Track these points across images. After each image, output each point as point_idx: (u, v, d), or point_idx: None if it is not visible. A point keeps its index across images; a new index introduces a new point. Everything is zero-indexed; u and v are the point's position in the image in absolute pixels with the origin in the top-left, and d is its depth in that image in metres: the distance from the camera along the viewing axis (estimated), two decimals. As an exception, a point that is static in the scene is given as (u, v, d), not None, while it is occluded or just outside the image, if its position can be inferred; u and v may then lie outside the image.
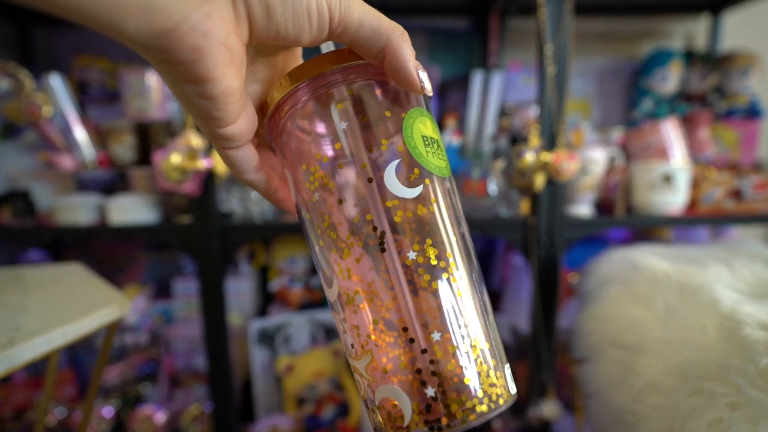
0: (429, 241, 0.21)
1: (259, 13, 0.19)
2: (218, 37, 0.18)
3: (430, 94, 0.22)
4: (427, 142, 0.22)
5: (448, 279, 0.21)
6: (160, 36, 0.17)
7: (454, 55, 1.07)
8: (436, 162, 0.22)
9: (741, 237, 1.09)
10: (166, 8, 0.17)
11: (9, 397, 0.92)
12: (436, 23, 1.06)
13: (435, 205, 0.22)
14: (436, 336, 0.20)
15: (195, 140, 0.71)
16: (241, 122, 0.22)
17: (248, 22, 0.19)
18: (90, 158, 0.82)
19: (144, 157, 0.85)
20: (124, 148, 0.85)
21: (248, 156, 0.24)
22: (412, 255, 0.21)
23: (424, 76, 0.22)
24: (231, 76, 0.19)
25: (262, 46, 0.23)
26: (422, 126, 0.23)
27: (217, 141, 0.23)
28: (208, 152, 0.73)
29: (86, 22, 0.16)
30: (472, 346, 0.21)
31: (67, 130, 0.81)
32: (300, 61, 0.26)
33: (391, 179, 0.21)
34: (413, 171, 0.21)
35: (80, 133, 0.82)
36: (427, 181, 0.22)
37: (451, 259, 0.21)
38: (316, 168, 0.22)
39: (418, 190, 0.21)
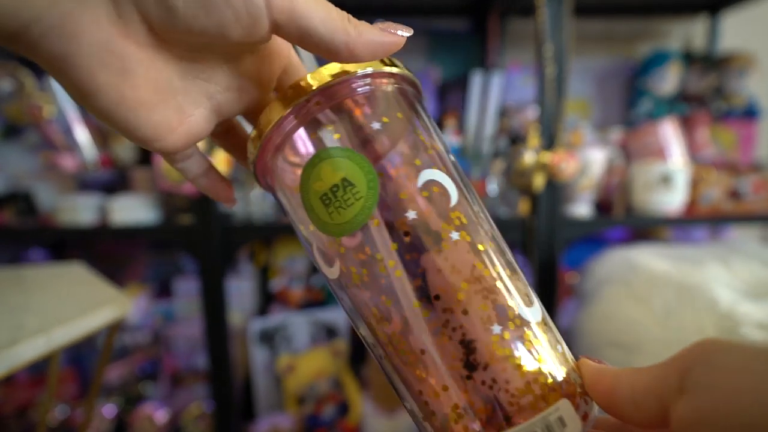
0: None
1: (153, 8, 0.15)
2: (92, 41, 0.15)
3: (407, 34, 0.19)
4: (326, 199, 0.19)
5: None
6: (8, 38, 0.15)
7: (454, 55, 1.07)
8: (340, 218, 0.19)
9: (739, 237, 1.09)
10: (9, 8, 0.14)
11: (11, 396, 0.92)
12: (436, 24, 1.06)
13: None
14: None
15: (196, 141, 0.72)
16: (172, 140, 0.18)
17: (143, 21, 0.15)
18: (91, 158, 0.83)
19: (145, 158, 0.86)
20: (126, 149, 0.85)
21: (190, 169, 0.22)
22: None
23: (394, 28, 0.18)
24: (128, 88, 0.16)
25: (211, 49, 0.18)
26: (323, 177, 0.19)
27: (163, 156, 0.20)
28: (208, 152, 0.73)
29: None
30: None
31: (68, 131, 0.81)
32: (276, 64, 0.22)
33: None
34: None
35: (82, 134, 0.82)
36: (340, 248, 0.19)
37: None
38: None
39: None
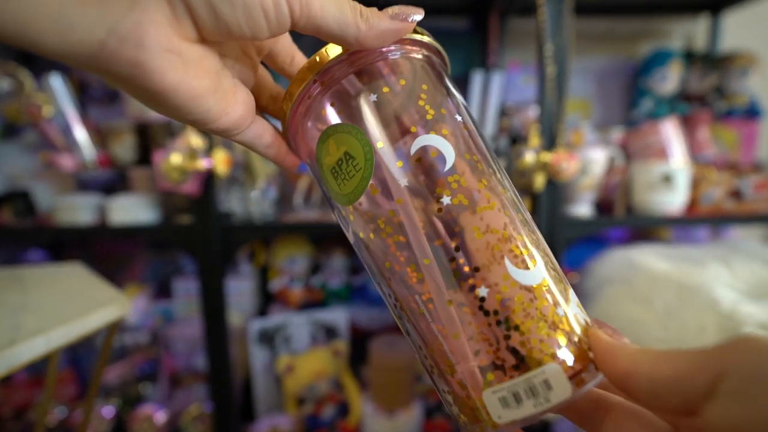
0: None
1: (203, 13, 0.17)
2: (157, 44, 0.16)
3: (419, 16, 0.20)
4: (335, 171, 0.21)
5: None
6: (88, 55, 0.15)
7: (454, 55, 1.07)
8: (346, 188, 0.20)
9: (740, 237, 1.09)
10: (86, 24, 0.15)
11: (9, 397, 0.92)
12: (436, 23, 1.06)
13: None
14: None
15: (195, 140, 0.71)
16: (233, 112, 0.20)
17: (192, 21, 0.17)
18: (90, 158, 0.83)
19: (144, 157, 0.86)
20: (125, 148, 0.85)
21: (257, 135, 0.23)
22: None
23: (405, 13, 0.20)
24: (190, 80, 0.18)
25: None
26: (330, 150, 0.21)
27: (216, 133, 0.21)
28: (208, 152, 0.73)
29: (11, 42, 0.15)
30: None
31: (67, 131, 0.81)
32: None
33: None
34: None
35: (80, 133, 0.82)
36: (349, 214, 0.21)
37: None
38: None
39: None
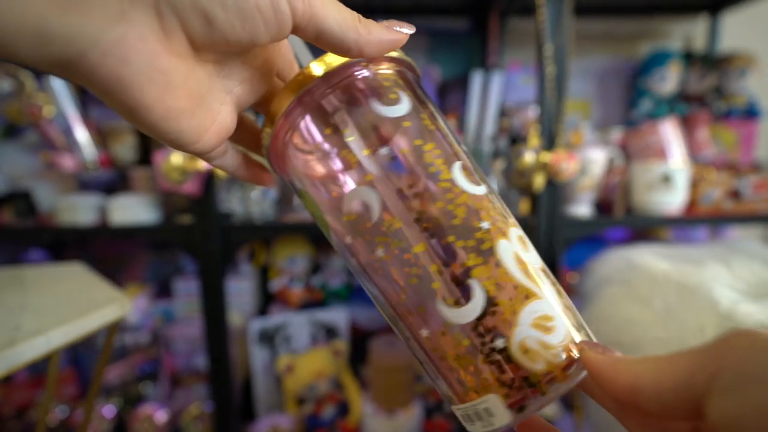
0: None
1: (195, 22, 0.16)
2: (142, 60, 0.15)
3: (410, 31, 0.20)
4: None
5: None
6: (64, 66, 0.15)
7: (454, 55, 1.07)
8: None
9: (740, 237, 1.09)
10: (64, 35, 0.14)
11: (10, 397, 0.92)
12: (436, 23, 1.06)
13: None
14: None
15: (195, 140, 0.71)
16: (209, 139, 0.19)
17: (184, 33, 0.16)
18: (91, 158, 0.83)
19: (145, 158, 0.86)
20: (125, 149, 0.85)
21: (228, 163, 0.23)
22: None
23: (398, 27, 0.20)
24: (167, 100, 0.17)
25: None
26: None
27: (199, 156, 0.21)
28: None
29: None
30: None
31: (68, 131, 0.81)
32: (277, 51, 0.23)
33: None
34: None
35: (81, 134, 0.82)
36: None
37: None
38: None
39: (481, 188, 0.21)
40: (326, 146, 0.21)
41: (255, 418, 0.94)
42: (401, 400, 0.84)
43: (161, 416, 0.90)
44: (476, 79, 0.90)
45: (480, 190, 0.20)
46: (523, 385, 0.18)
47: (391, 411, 0.83)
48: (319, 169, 0.21)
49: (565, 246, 0.79)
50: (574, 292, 0.89)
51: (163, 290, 1.05)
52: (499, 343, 0.18)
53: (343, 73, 0.20)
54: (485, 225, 0.19)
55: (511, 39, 1.05)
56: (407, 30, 0.20)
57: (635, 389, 0.15)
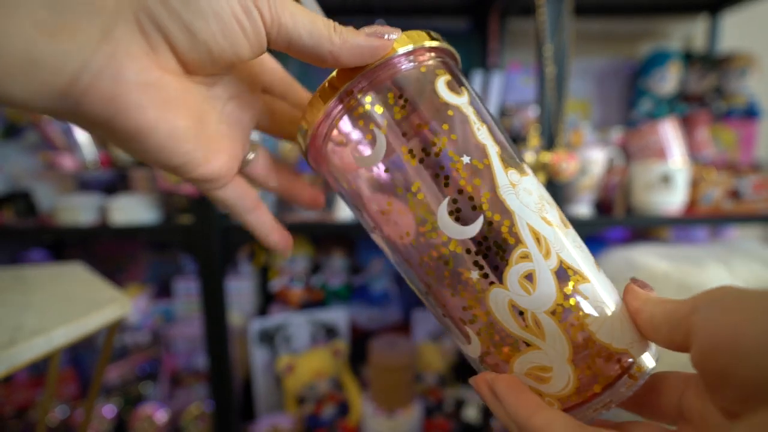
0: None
1: (178, 34, 0.15)
2: (135, 76, 0.15)
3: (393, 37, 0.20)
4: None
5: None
6: (58, 98, 0.14)
7: (454, 55, 1.07)
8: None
9: (739, 237, 1.09)
10: (54, 61, 0.13)
11: (10, 397, 0.92)
12: (436, 23, 1.06)
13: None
14: None
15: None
16: (216, 160, 0.19)
17: (170, 49, 0.16)
18: (91, 158, 0.83)
19: (145, 158, 0.86)
20: (125, 149, 0.85)
21: (240, 195, 0.21)
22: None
23: (383, 33, 0.19)
24: (172, 117, 0.16)
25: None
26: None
27: (196, 184, 0.20)
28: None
29: None
30: None
31: (68, 131, 0.81)
32: (265, 61, 0.23)
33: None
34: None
35: (81, 134, 0.82)
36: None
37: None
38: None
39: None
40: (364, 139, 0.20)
41: (255, 418, 0.94)
42: (401, 400, 0.84)
43: (161, 416, 0.90)
44: (476, 79, 0.90)
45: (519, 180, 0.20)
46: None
47: (391, 411, 0.83)
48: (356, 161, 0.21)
49: (565, 246, 0.79)
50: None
51: (163, 290, 1.05)
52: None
53: (382, 69, 0.20)
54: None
55: (511, 39, 1.05)
56: (391, 36, 0.19)
57: (638, 311, 0.19)
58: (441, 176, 0.19)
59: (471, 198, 0.19)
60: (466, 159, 0.19)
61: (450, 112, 0.20)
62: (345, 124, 0.21)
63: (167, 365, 0.98)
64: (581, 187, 0.82)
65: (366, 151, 0.20)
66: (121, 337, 0.97)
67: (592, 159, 0.81)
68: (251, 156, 0.23)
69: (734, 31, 1.07)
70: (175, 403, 0.95)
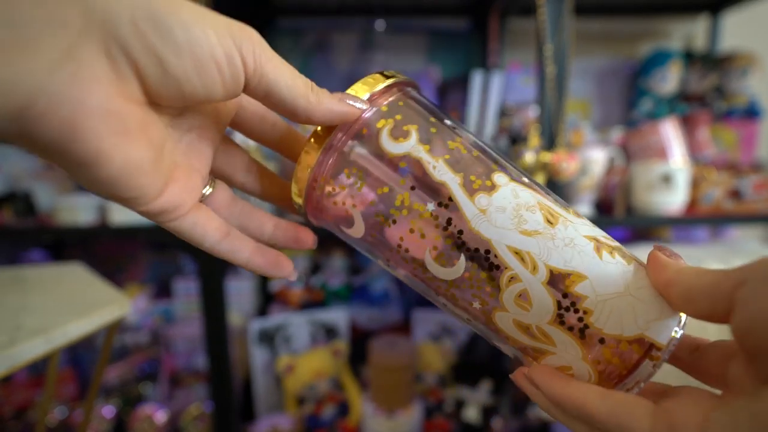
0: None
1: (149, 65, 0.15)
2: (97, 102, 0.14)
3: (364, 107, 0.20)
4: None
5: None
6: (7, 121, 0.13)
7: (454, 55, 1.07)
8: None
9: (740, 237, 1.09)
10: (9, 81, 0.12)
11: (10, 397, 0.92)
12: (436, 23, 1.06)
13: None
14: None
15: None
16: (168, 193, 0.18)
17: (138, 78, 0.15)
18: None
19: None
20: (125, 149, 0.85)
21: (199, 226, 0.20)
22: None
23: (352, 101, 0.20)
24: (128, 149, 0.15)
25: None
26: None
27: (147, 216, 0.18)
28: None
29: None
30: None
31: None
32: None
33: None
34: None
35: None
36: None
37: None
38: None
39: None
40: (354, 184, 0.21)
41: (255, 418, 0.94)
42: (401, 400, 0.84)
43: (161, 416, 0.89)
44: (476, 79, 0.90)
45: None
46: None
47: (391, 411, 0.83)
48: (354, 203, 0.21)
49: (566, 246, 0.79)
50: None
51: (162, 290, 1.05)
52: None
53: (356, 119, 0.21)
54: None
55: (511, 39, 1.05)
56: (360, 105, 0.20)
57: (672, 282, 0.18)
58: (416, 230, 0.20)
59: (447, 240, 0.19)
60: (430, 206, 0.20)
61: (402, 164, 0.20)
62: (325, 205, 0.22)
63: (167, 365, 0.98)
64: (581, 187, 0.82)
65: (348, 228, 0.22)
66: (121, 337, 0.97)
67: (592, 159, 0.81)
68: (207, 191, 0.22)
69: (735, 31, 1.06)
70: (174, 404, 0.95)
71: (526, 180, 0.21)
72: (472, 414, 0.88)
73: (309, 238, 0.24)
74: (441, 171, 0.20)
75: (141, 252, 1.08)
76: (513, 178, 0.20)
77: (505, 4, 0.94)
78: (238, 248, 0.22)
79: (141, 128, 0.16)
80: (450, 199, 0.19)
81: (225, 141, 0.23)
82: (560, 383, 0.18)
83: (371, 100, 0.21)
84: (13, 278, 0.56)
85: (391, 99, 0.21)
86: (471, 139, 0.22)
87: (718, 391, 0.18)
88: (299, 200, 0.22)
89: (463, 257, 0.19)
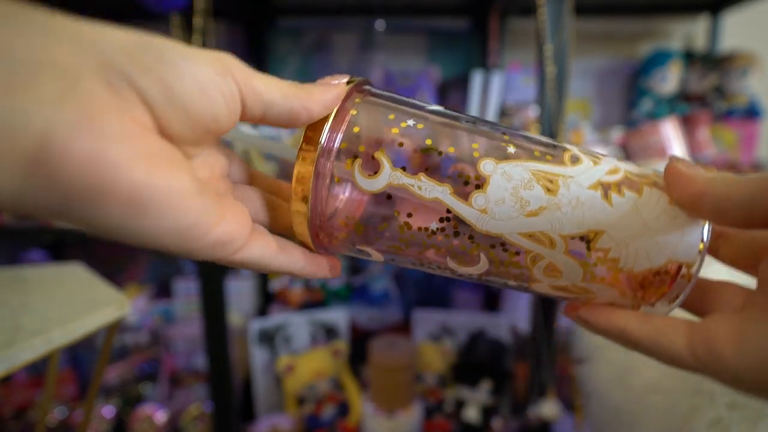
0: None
1: (154, 90, 0.14)
2: (114, 128, 0.13)
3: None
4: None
5: None
6: (28, 168, 0.12)
7: (454, 55, 1.07)
8: None
9: (740, 237, 1.09)
10: (11, 122, 0.11)
11: (10, 397, 0.92)
12: (436, 23, 1.06)
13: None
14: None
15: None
16: (229, 218, 0.17)
17: (144, 105, 0.14)
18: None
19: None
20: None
21: (261, 248, 0.19)
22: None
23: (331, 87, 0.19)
24: (168, 170, 0.14)
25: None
26: None
27: (209, 252, 0.17)
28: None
29: None
30: None
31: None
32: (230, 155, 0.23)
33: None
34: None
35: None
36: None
37: None
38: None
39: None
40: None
41: (255, 418, 0.94)
42: (401, 400, 0.84)
43: (161, 416, 0.89)
44: (476, 79, 0.90)
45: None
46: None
47: (391, 411, 0.83)
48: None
49: (566, 246, 0.79)
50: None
51: (162, 290, 1.05)
52: None
53: (328, 141, 0.19)
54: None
55: (511, 39, 1.05)
56: (339, 81, 0.20)
57: (704, 194, 0.17)
58: (429, 246, 0.20)
59: (461, 246, 0.20)
60: (434, 225, 0.19)
61: (388, 197, 0.19)
62: (337, 247, 0.22)
63: (167, 365, 0.98)
64: (582, 187, 0.82)
65: (368, 257, 0.22)
66: (121, 337, 0.97)
67: (592, 159, 0.81)
68: None
69: (735, 31, 1.06)
70: (174, 404, 0.95)
71: (511, 149, 0.19)
72: (472, 414, 0.88)
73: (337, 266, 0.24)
74: (427, 188, 0.19)
75: (141, 252, 1.08)
76: (497, 157, 0.19)
77: (505, 4, 0.94)
78: (295, 258, 0.21)
79: (167, 154, 0.15)
80: (448, 211, 0.19)
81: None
82: (604, 315, 0.20)
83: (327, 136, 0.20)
84: (13, 278, 0.56)
85: (344, 128, 0.20)
86: (438, 120, 0.20)
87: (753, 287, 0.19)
88: (312, 247, 0.22)
89: (482, 255, 0.20)
